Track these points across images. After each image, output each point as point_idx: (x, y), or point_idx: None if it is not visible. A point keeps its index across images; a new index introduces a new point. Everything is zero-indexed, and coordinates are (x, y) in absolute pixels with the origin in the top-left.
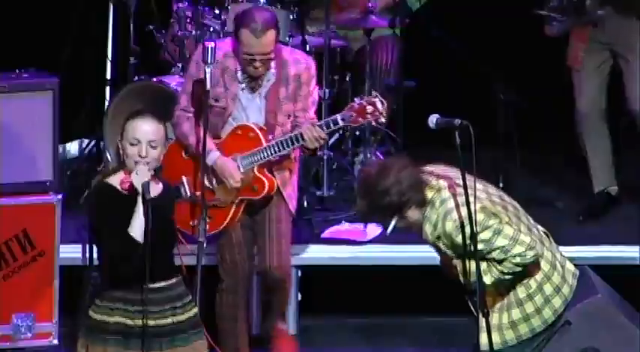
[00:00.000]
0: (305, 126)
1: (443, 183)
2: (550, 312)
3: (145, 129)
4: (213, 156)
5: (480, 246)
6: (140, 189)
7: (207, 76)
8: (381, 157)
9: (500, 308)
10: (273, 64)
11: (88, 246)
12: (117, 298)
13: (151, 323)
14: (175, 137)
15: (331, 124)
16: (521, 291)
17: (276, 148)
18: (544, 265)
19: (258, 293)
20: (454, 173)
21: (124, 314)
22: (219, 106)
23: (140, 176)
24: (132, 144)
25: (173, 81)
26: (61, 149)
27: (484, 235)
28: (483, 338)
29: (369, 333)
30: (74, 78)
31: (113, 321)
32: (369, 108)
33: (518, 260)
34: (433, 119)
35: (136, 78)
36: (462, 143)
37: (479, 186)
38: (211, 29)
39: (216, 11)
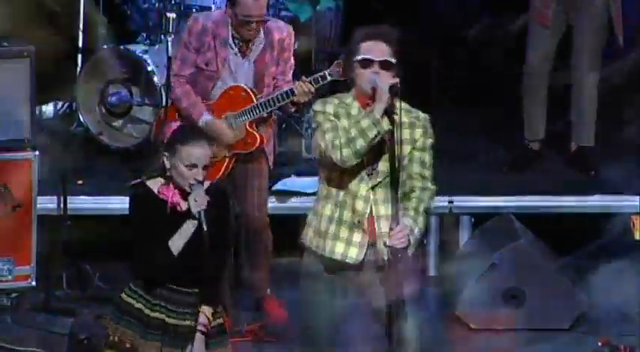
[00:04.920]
0: (296, 82)
1: None
2: None
3: (201, 154)
4: (205, 118)
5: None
6: (197, 216)
7: (169, 45)
8: None
9: None
10: (262, 30)
11: (62, 198)
12: (140, 286)
13: (172, 322)
14: (171, 100)
15: (320, 80)
16: None
17: (268, 104)
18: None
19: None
20: None
21: (144, 303)
22: (210, 70)
23: (199, 202)
24: (187, 167)
25: (138, 49)
26: (37, 110)
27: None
28: None
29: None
30: (51, 46)
31: (137, 307)
32: None
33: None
34: None
35: (105, 46)
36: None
37: None
38: (172, 2)
39: None
